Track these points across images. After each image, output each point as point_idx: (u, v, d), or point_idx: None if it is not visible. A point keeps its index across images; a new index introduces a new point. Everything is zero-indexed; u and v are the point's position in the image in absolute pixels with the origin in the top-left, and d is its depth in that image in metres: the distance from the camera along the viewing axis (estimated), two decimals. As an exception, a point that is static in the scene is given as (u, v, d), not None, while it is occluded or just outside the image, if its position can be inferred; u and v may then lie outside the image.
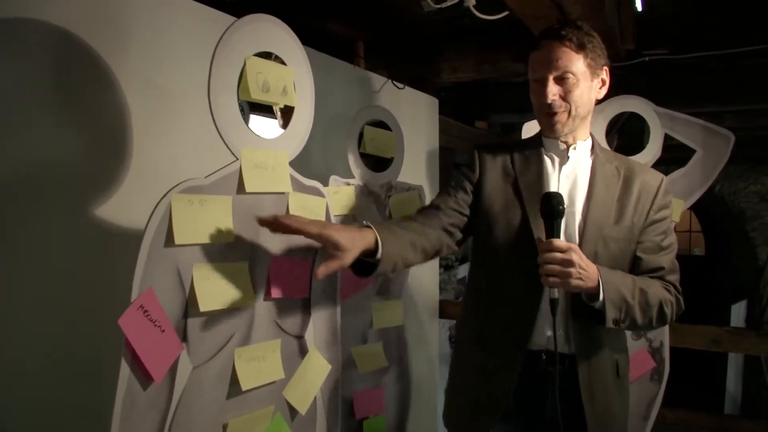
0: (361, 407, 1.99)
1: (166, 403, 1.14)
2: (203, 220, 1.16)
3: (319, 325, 1.51)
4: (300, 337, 1.45)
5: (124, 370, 1.06)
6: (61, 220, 1.32)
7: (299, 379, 1.43)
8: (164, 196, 1.09)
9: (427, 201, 2.31)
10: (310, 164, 1.92)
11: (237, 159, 1.23)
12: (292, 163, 1.39)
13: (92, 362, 1.29)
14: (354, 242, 1.24)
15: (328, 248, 1.22)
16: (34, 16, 1.28)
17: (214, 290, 1.18)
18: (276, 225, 1.20)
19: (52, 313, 1.28)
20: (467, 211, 1.54)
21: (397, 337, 2.12)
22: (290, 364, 1.41)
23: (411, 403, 2.23)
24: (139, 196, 1.42)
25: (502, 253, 1.48)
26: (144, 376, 1.08)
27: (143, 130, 1.48)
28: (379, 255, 1.31)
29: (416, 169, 2.76)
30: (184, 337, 1.15)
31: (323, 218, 1.47)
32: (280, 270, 1.35)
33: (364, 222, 1.33)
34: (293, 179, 1.38)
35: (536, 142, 1.55)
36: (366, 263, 1.32)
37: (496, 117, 4.86)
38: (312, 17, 2.78)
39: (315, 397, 1.49)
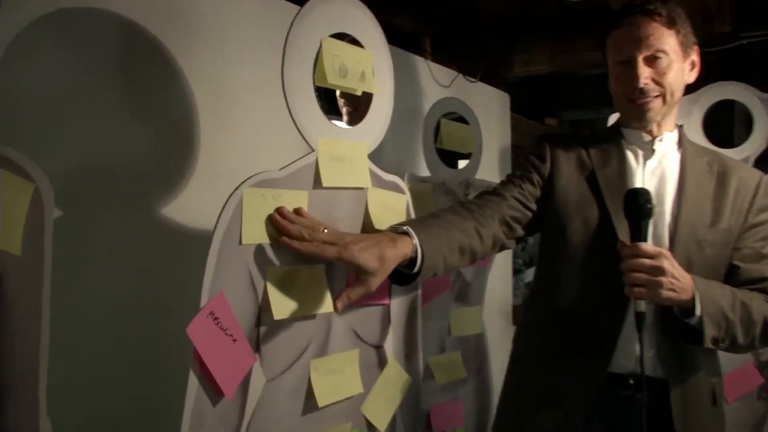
0: (439, 421, 1.86)
1: (237, 420, 1.04)
2: (277, 217, 1.05)
3: (399, 333, 1.38)
4: (379, 347, 1.32)
5: (193, 382, 0.95)
6: (129, 220, 1.24)
7: (378, 393, 1.31)
8: (236, 189, 0.98)
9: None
10: (382, 160, 1.80)
11: (313, 150, 1.12)
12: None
13: (162, 369, 1.20)
14: (383, 261, 1.04)
15: (352, 272, 1.06)
16: (100, 6, 1.21)
17: (289, 295, 1.07)
18: (286, 244, 1.03)
19: (121, 315, 1.21)
20: (533, 206, 1.33)
21: (476, 346, 1.98)
22: (368, 377, 1.28)
23: (491, 417, 2.07)
24: (208, 193, 1.33)
25: (578, 256, 1.29)
26: (214, 390, 0.97)
27: (210, 124, 1.39)
28: (417, 267, 1.11)
29: (489, 166, 2.61)
30: (256, 348, 1.04)
31: (404, 216, 1.34)
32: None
33: (402, 227, 1.13)
34: (372, 174, 1.26)
35: (614, 133, 1.36)
36: (403, 272, 1.14)
37: (567, 113, 4.63)
38: (376, 11, 2.68)
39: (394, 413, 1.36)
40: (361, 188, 1.22)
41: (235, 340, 0.97)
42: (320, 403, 1.14)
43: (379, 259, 1.04)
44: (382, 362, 1.33)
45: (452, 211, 1.27)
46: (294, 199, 1.06)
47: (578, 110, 4.60)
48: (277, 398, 1.09)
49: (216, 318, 0.93)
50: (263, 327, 1.04)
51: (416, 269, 1.12)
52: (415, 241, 1.11)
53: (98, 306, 1.17)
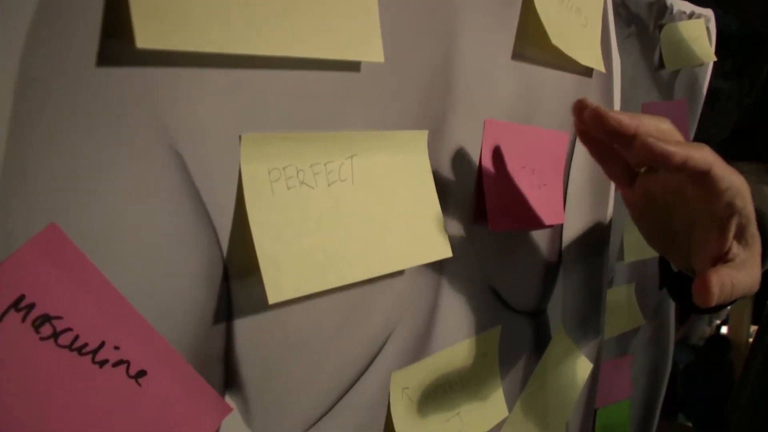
0: (602, 388, 1.19)
1: None
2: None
3: (576, 282, 0.68)
4: (539, 313, 0.63)
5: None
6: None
7: (535, 401, 0.63)
8: None
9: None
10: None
11: None
12: None
13: None
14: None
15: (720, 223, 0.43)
16: None
17: (319, 223, 0.37)
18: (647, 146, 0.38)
19: None
20: None
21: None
22: (516, 373, 0.61)
23: (665, 378, 1.39)
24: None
25: None
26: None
27: None
28: None
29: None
30: (224, 379, 0.36)
31: (597, 46, 0.60)
32: (507, 158, 0.52)
33: None
34: None
35: None
36: None
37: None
38: None
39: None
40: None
41: (141, 381, 0.29)
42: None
43: None
44: (541, 338, 0.64)
45: None
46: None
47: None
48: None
49: (40, 317, 0.25)
50: (241, 319, 0.34)
51: None
52: None
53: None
